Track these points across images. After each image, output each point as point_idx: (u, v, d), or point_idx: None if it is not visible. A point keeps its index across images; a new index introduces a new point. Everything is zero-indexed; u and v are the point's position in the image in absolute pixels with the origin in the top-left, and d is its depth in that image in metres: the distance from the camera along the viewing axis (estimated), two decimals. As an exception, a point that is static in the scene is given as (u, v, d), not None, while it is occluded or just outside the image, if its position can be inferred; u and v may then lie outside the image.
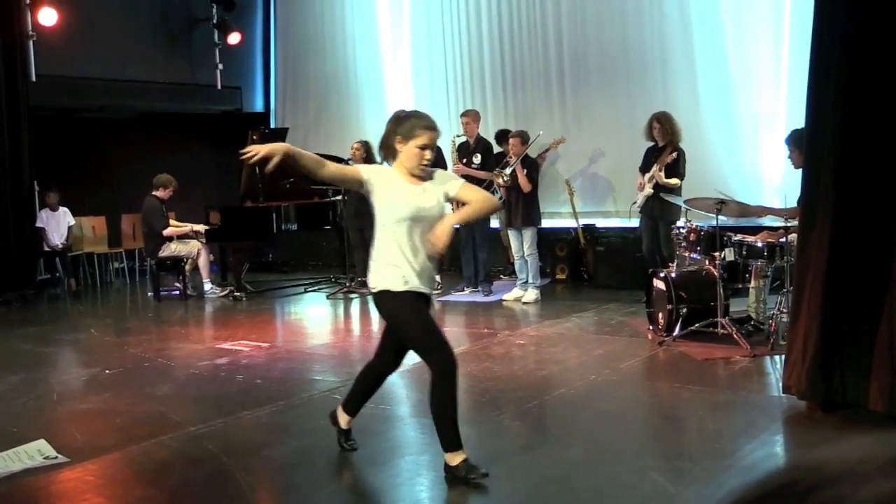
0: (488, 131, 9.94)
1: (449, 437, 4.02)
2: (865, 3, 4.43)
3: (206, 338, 8.05)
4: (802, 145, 5.28)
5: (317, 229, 11.54)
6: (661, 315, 6.76)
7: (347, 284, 9.98)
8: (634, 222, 8.99)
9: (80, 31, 10.98)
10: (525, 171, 8.60)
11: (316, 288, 10.52)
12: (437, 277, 9.58)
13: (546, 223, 9.46)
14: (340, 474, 4.26)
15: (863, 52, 4.44)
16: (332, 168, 4.08)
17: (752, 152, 9.12)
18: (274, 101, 13.52)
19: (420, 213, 4.02)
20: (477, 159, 9.18)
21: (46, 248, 10.92)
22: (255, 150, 3.87)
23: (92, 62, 11.09)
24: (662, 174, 8.05)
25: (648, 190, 8.20)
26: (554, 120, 10.37)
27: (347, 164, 9.90)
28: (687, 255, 6.93)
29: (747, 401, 5.18)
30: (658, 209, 8.16)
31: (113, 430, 4.95)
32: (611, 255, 9.54)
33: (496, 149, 9.38)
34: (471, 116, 9.38)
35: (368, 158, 9.92)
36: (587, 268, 9.96)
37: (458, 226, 9.11)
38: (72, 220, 11.17)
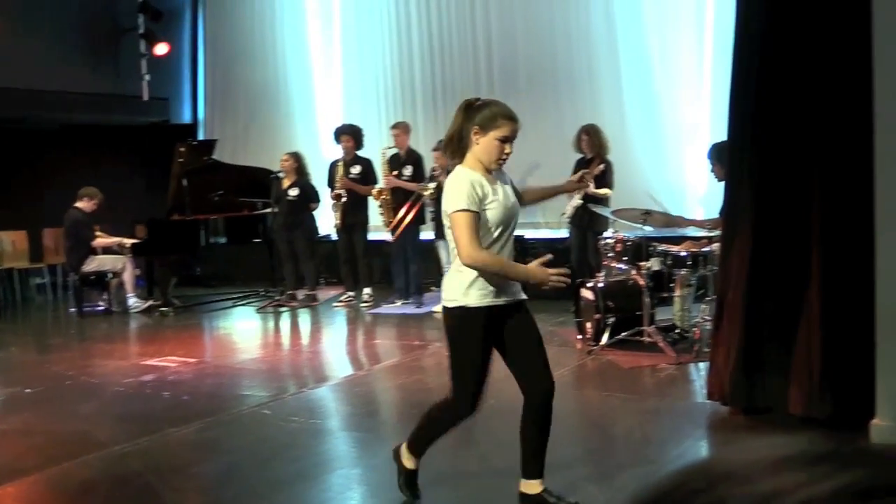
0: (419, 143, 9.96)
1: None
2: (786, 19, 4.57)
3: (131, 354, 7.89)
4: (724, 158, 5.42)
5: (246, 242, 11.41)
6: (589, 324, 6.85)
7: (277, 298, 9.89)
8: (563, 233, 9.10)
9: (0, 41, 10.70)
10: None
11: (245, 302, 10.40)
12: (368, 290, 9.62)
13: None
14: (270, 491, 4.20)
15: (782, 68, 4.58)
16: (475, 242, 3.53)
17: (676, 164, 9.31)
18: (202, 113, 13.34)
19: (513, 213, 3.63)
20: (408, 171, 9.19)
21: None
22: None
23: (12, 72, 10.79)
24: (592, 185, 8.17)
25: (577, 201, 8.31)
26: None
27: (278, 176, 9.89)
28: (614, 265, 7.04)
29: (673, 408, 5.28)
30: (587, 220, 8.28)
31: (33, 451, 4.81)
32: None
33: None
34: (401, 128, 9.39)
35: (299, 169, 9.89)
36: (517, 278, 10.02)
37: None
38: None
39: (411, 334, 7.98)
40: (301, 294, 9.97)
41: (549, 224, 9.89)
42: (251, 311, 9.86)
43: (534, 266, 3.72)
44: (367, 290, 9.64)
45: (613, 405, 5.42)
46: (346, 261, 9.72)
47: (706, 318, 6.19)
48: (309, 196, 9.88)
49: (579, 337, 7.05)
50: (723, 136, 5.26)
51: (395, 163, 9.32)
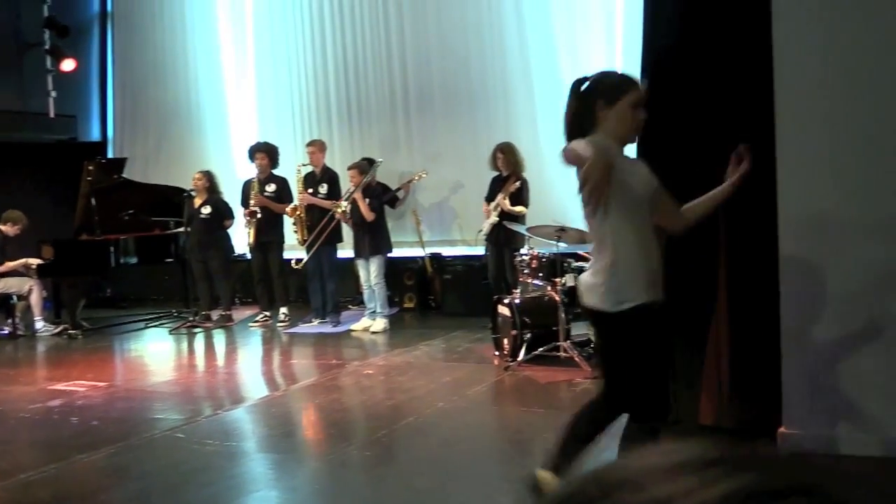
0: (335, 162, 9.93)
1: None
2: (692, 39, 4.71)
3: (38, 379, 7.62)
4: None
5: (158, 262, 11.16)
6: (506, 341, 6.90)
7: (191, 318, 9.69)
8: (480, 250, 9.17)
9: None
10: (367, 200, 8.61)
11: (157, 323, 10.16)
12: (285, 309, 9.51)
13: (394, 252, 9.51)
14: (183, 515, 4.11)
15: (688, 85, 4.71)
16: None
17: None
18: (112, 130, 13.04)
19: (652, 191, 3.24)
20: (323, 189, 9.15)
21: None
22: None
23: None
24: (507, 202, 8.28)
25: (494, 218, 8.40)
26: (400, 150, 10.48)
27: (190, 195, 9.72)
28: (530, 281, 7.12)
29: (589, 421, 5.34)
30: (503, 237, 8.37)
31: (-68, 481, 4.61)
32: (457, 283, 9.68)
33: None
34: (316, 146, 9.34)
35: (211, 188, 9.74)
36: (435, 296, 10.06)
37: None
38: None
39: (328, 353, 7.91)
40: (216, 314, 9.80)
41: (465, 241, 9.95)
42: (164, 332, 9.63)
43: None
44: (283, 310, 9.53)
45: (531, 420, 5.47)
46: (260, 280, 9.60)
47: (620, 332, 6.29)
48: (222, 214, 9.74)
49: (497, 353, 7.09)
50: (633, 152, 5.38)
51: (310, 181, 9.26)
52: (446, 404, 5.83)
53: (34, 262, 9.66)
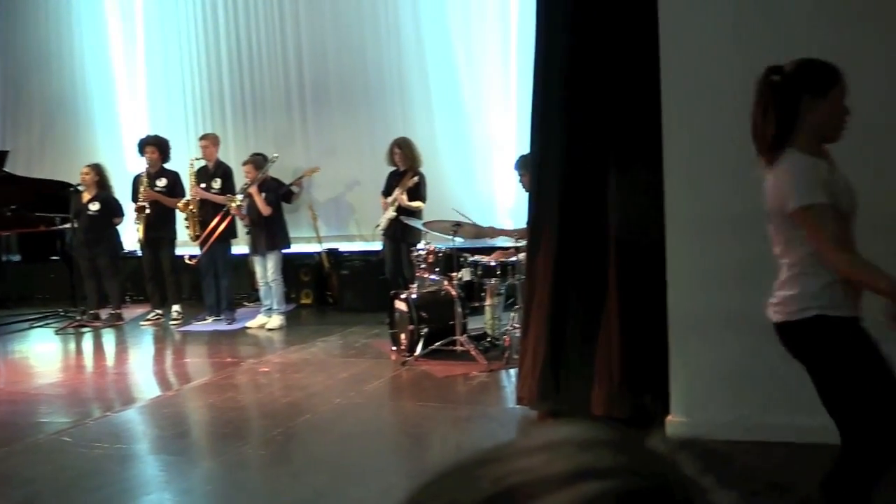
0: (229, 156, 9.75)
1: None
2: (584, 37, 4.80)
3: (-88, 383, 7.26)
4: (530, 168, 5.64)
5: (43, 260, 10.76)
6: (403, 336, 6.92)
7: (78, 318, 9.37)
8: (378, 246, 9.16)
9: None
10: (263, 194, 8.50)
11: (43, 323, 9.79)
12: (177, 307, 9.30)
13: (290, 248, 9.40)
14: (70, 522, 3.99)
15: (581, 81, 4.81)
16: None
17: (485, 176, 9.58)
18: (-8, 122, 12.49)
19: (856, 202, 2.84)
20: (217, 184, 8.97)
21: None
22: None
23: None
24: (405, 197, 8.30)
25: (391, 213, 8.41)
26: (296, 144, 10.37)
27: (77, 189, 9.39)
28: (426, 276, 7.16)
29: (485, 414, 5.42)
30: (400, 232, 8.38)
31: None
32: (355, 279, 9.63)
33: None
34: (209, 140, 9.16)
35: (100, 183, 9.44)
36: (332, 292, 10.00)
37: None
38: None
39: (223, 351, 7.78)
40: (105, 313, 9.51)
41: (363, 236, 9.93)
42: (50, 332, 9.29)
43: None
44: (175, 308, 9.32)
45: (428, 414, 5.50)
46: (152, 277, 9.35)
47: (515, 325, 6.40)
48: (112, 210, 9.44)
49: (394, 348, 7.10)
50: (528, 147, 5.46)
51: (203, 175, 9.07)
52: (343, 400, 5.81)
53: None
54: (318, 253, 10.02)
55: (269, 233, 8.63)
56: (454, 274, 6.90)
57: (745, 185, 4.33)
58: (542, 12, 5.00)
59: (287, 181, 9.65)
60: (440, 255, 7.12)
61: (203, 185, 8.97)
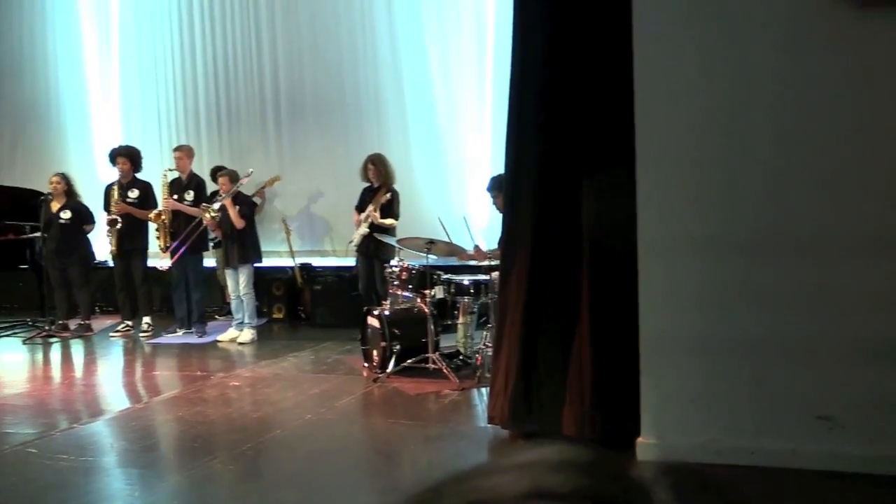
0: (203, 168, 9.72)
1: None
2: (559, 58, 4.85)
3: None
4: (503, 189, 5.67)
5: (11, 268, 10.63)
6: (375, 352, 6.91)
7: (47, 328, 9.27)
8: (351, 261, 9.15)
9: None
10: (237, 207, 8.48)
11: (10, 332, 9.67)
12: (148, 319, 9.22)
13: (263, 262, 9.37)
14: (34, 535, 3.93)
15: (556, 106, 4.86)
16: None
17: (459, 195, 9.60)
18: (-38, 129, 12.34)
19: None
20: (189, 195, 8.93)
21: None
22: None
23: None
24: (378, 214, 8.31)
25: (364, 229, 8.41)
26: (270, 158, 10.35)
27: (47, 198, 9.31)
28: (400, 293, 7.16)
29: (456, 432, 5.42)
30: (373, 248, 8.39)
31: None
32: (327, 294, 9.61)
33: (211, 186, 9.18)
34: (184, 151, 9.13)
35: (69, 192, 9.37)
36: (304, 307, 9.97)
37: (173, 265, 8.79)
38: None
39: (193, 365, 7.72)
40: (74, 324, 9.41)
41: (336, 252, 9.91)
42: (17, 342, 9.18)
43: None
44: (146, 319, 9.25)
45: (399, 432, 5.49)
46: (122, 288, 9.28)
47: (487, 344, 6.41)
48: (83, 218, 9.37)
49: (366, 364, 7.09)
50: (501, 168, 5.50)
51: (176, 186, 9.04)
52: (314, 416, 5.78)
53: None
54: (291, 267, 10.00)
55: (242, 246, 8.60)
56: (427, 291, 6.91)
57: (714, 209, 4.41)
58: (517, 35, 5.04)
59: (253, 192, 9.61)
60: (414, 272, 7.13)
61: (176, 197, 8.93)
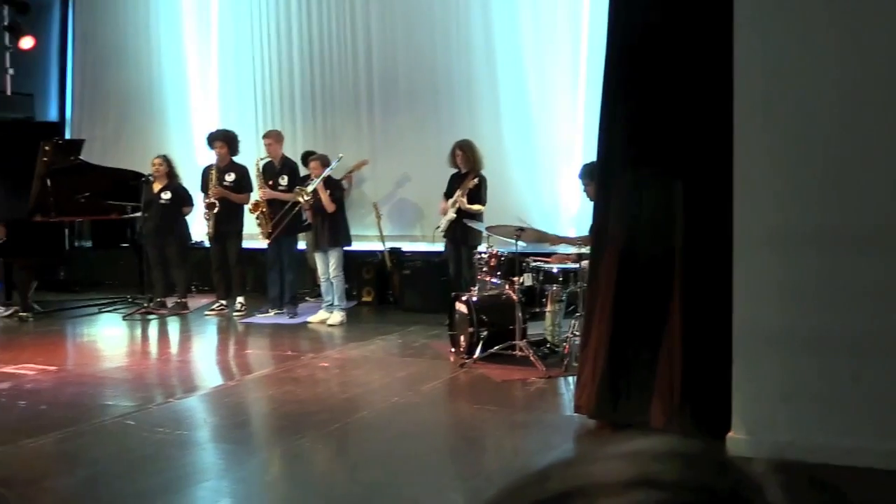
0: (297, 152, 9.88)
1: None
2: (654, 42, 4.76)
3: (-15, 361, 7.50)
4: (595, 178, 5.60)
5: (113, 247, 11.04)
6: (462, 338, 6.92)
7: (145, 305, 9.58)
8: (440, 246, 9.18)
9: None
10: (328, 191, 8.59)
11: (111, 308, 10.04)
12: (241, 299, 9.44)
13: (353, 246, 9.48)
14: None
15: (650, 90, 4.77)
16: None
17: (550, 182, 9.53)
18: (70, 111, 12.83)
19: None
20: (284, 181, 9.09)
21: None
22: None
23: None
24: (465, 200, 8.31)
25: (451, 215, 8.43)
26: (362, 142, 10.45)
27: (148, 179, 9.60)
28: (488, 279, 7.15)
29: (542, 420, 5.40)
30: (460, 234, 8.40)
31: None
32: (416, 279, 9.68)
33: (302, 170, 9.32)
34: (273, 137, 9.28)
35: (170, 174, 9.64)
36: (393, 291, 10.06)
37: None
38: None
39: (284, 345, 7.87)
40: (171, 302, 9.70)
41: (425, 237, 9.95)
42: (117, 318, 9.51)
43: None
44: (239, 299, 9.46)
45: (484, 418, 5.50)
46: (218, 268, 9.52)
47: (575, 333, 6.36)
48: (182, 200, 9.64)
49: (452, 350, 7.11)
50: (594, 155, 5.43)
51: (270, 172, 9.20)
52: (400, 399, 5.84)
53: (-15, 241, 9.49)
54: (381, 252, 10.09)
55: (332, 229, 8.72)
56: (516, 278, 6.88)
57: (813, 202, 4.26)
58: (613, 20, 4.96)
59: (341, 177, 9.71)
60: (502, 258, 7.11)
61: (271, 183, 9.10)
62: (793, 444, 4.17)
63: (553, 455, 4.65)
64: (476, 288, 7.28)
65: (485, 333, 6.72)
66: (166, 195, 9.50)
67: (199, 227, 9.91)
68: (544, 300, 6.93)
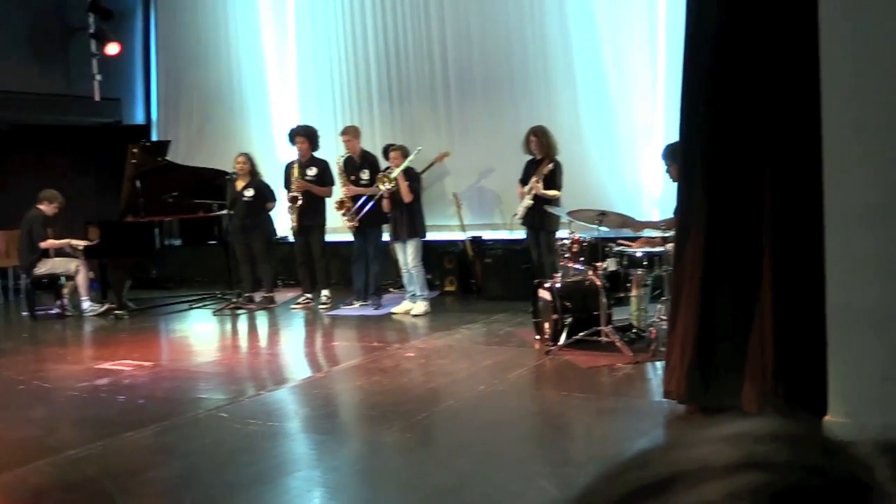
0: (375, 145, 9.95)
1: None
2: (737, 20, 4.64)
3: (85, 358, 7.78)
4: (678, 158, 5.49)
5: (202, 244, 11.32)
6: (547, 325, 6.88)
7: (234, 300, 9.80)
8: (521, 234, 9.15)
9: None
10: (407, 182, 8.64)
11: (201, 304, 10.30)
12: (326, 292, 9.58)
13: (434, 236, 9.53)
14: (227, 494, 4.16)
15: (733, 68, 4.65)
16: None
17: (631, 165, 9.40)
18: (155, 114, 13.20)
19: None
20: (365, 174, 9.18)
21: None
22: None
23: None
24: (541, 185, 8.26)
25: (528, 201, 8.39)
26: (440, 133, 10.47)
27: (232, 177, 9.81)
28: (571, 265, 7.09)
29: (630, 406, 5.33)
30: (538, 220, 8.36)
31: (-16, 457, 4.72)
32: (498, 267, 9.67)
33: (383, 164, 9.39)
34: (350, 133, 9.36)
35: (252, 171, 9.83)
36: (476, 279, 10.07)
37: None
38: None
39: (370, 336, 7.96)
40: (258, 296, 9.90)
41: (506, 225, 9.93)
42: (208, 313, 9.76)
43: None
44: (324, 292, 9.60)
45: (571, 404, 5.46)
46: (302, 262, 9.67)
47: (662, 317, 6.26)
48: (265, 196, 9.82)
49: (537, 337, 7.08)
50: (676, 136, 5.33)
51: (351, 167, 9.29)
52: (486, 388, 5.84)
53: (78, 243, 9.82)
54: (462, 241, 10.11)
55: (410, 220, 8.77)
56: (599, 264, 6.81)
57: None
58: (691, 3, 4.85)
59: (423, 168, 9.75)
60: (585, 244, 7.04)
61: (353, 178, 9.19)
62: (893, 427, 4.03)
63: (643, 441, 4.59)
64: (559, 274, 7.23)
65: (569, 320, 6.67)
66: (249, 192, 9.68)
67: (283, 222, 10.08)
68: (629, 285, 6.84)
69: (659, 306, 6.47)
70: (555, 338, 6.69)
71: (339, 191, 9.34)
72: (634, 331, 6.87)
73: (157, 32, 13.10)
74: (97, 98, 12.43)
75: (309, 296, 9.71)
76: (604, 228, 6.85)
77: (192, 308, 10.19)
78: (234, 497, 4.11)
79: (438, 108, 10.64)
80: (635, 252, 6.70)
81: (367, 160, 9.31)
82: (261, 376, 6.79)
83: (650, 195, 9.21)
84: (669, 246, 6.08)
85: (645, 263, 6.63)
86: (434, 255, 9.87)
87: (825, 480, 0.48)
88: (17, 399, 6.06)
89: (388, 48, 10.93)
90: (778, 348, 4.48)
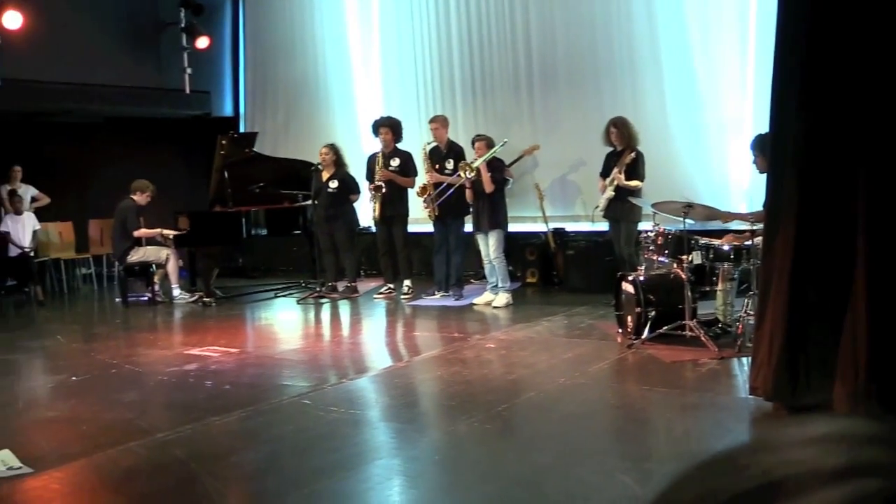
0: (458, 137, 9.96)
1: None
2: (830, 10, 4.49)
3: (174, 344, 7.99)
4: (766, 150, 5.35)
5: (287, 234, 11.52)
6: (629, 318, 6.80)
7: (318, 289, 9.95)
8: (603, 226, 9.06)
9: (45, 35, 10.85)
10: (490, 173, 8.62)
11: (286, 293, 10.48)
12: (408, 282, 9.64)
13: (516, 227, 9.49)
14: (310, 480, 4.23)
15: (825, 58, 4.50)
16: None
17: (719, 157, 9.21)
18: (243, 106, 13.46)
19: None
20: (450, 164, 9.20)
21: (11, 254, 10.76)
22: None
23: (58, 66, 10.97)
24: (623, 177, 8.16)
25: (610, 193, 8.30)
26: (524, 124, 10.42)
27: (317, 168, 9.94)
28: (655, 258, 6.98)
29: (715, 402, 5.22)
30: (619, 211, 8.27)
31: (79, 437, 4.89)
32: (580, 259, 9.59)
33: (469, 154, 9.39)
34: (439, 122, 9.39)
35: (338, 161, 9.95)
36: (557, 271, 10.00)
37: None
38: (37, 225, 11.05)
39: (451, 326, 7.98)
40: (341, 286, 10.03)
41: (588, 217, 9.84)
42: (292, 302, 9.93)
43: None
44: (406, 282, 9.66)
45: (654, 399, 5.38)
46: (385, 253, 9.75)
47: (749, 312, 6.12)
48: (349, 188, 9.93)
49: (620, 330, 7.00)
50: (766, 127, 5.19)
51: (436, 156, 9.32)
52: (567, 380, 5.80)
53: (169, 232, 10.10)
54: (545, 232, 10.05)
55: (492, 211, 8.75)
56: (684, 257, 6.68)
57: None
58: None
59: (512, 160, 9.73)
60: (670, 236, 6.92)
61: (437, 167, 9.22)
62: None
63: (728, 439, 4.49)
64: (643, 267, 7.13)
65: (653, 313, 6.57)
66: (334, 184, 9.80)
67: (366, 212, 10.18)
68: (715, 279, 6.70)
69: (746, 301, 6.32)
70: (637, 331, 6.60)
71: (422, 177, 9.38)
72: (720, 325, 6.73)
73: (246, 26, 13.36)
74: (188, 91, 12.74)
75: (391, 286, 9.79)
76: (689, 221, 6.73)
77: (277, 296, 10.37)
78: (316, 483, 4.17)
79: (522, 100, 10.59)
80: (722, 245, 6.56)
81: (454, 150, 9.33)
82: (343, 365, 6.87)
83: (738, 187, 9.01)
84: (758, 239, 5.93)
85: (732, 257, 6.49)
86: (516, 247, 9.84)
87: None
88: (109, 382, 6.26)
89: (471, 40, 10.92)
90: (871, 347, 4.33)
